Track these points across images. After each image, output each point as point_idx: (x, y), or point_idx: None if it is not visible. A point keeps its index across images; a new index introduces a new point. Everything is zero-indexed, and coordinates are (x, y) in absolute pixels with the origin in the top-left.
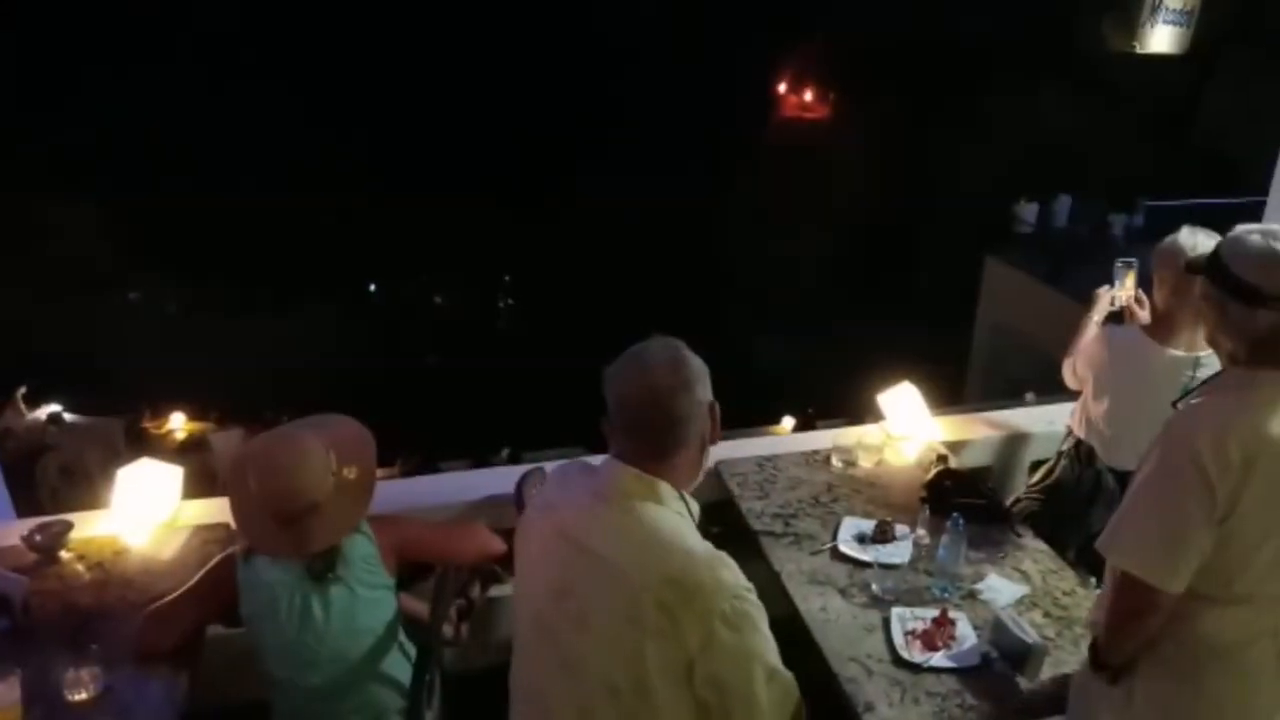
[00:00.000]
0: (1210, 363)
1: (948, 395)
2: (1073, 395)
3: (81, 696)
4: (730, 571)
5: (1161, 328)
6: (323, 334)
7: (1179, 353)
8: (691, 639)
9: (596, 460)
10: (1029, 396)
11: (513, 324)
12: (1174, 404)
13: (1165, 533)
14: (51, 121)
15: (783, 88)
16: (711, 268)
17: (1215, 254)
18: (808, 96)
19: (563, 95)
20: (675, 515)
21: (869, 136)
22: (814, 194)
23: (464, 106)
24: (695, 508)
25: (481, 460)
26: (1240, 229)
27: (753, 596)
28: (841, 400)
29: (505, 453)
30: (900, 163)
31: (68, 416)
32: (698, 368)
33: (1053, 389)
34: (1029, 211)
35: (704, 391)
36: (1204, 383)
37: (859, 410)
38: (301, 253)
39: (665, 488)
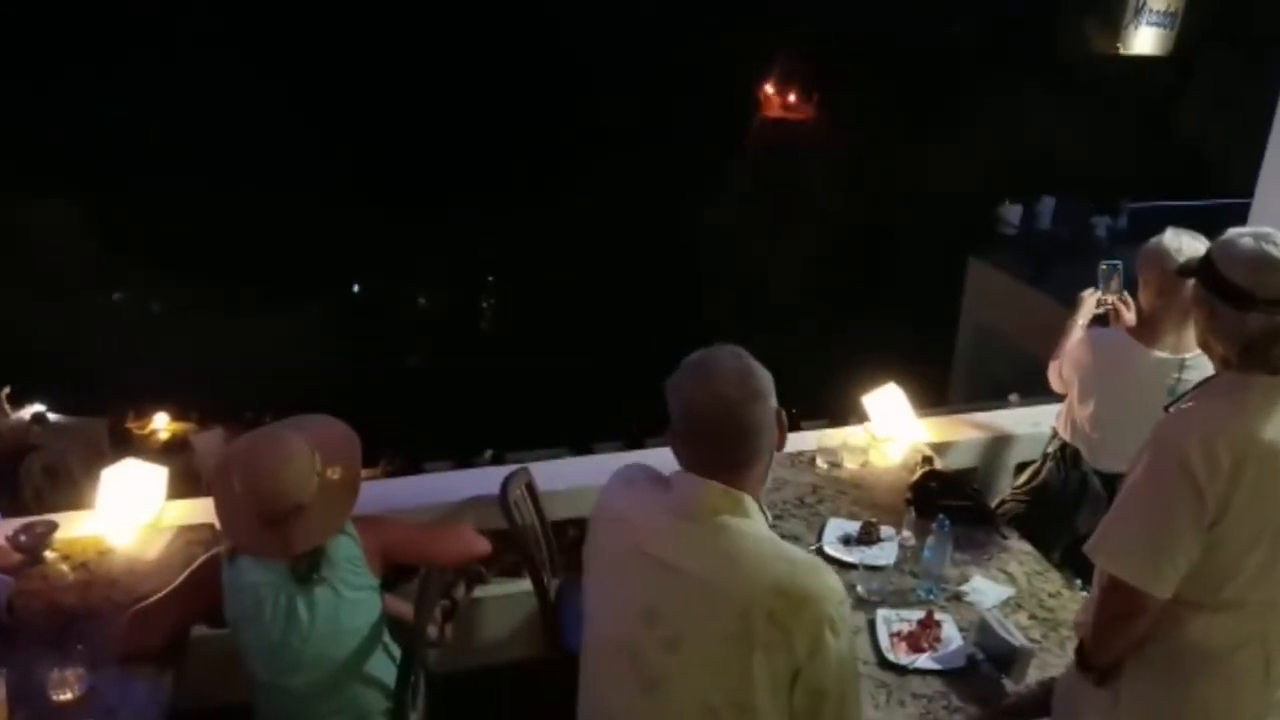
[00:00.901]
0: (1196, 364)
1: (932, 397)
2: (1057, 397)
3: (66, 697)
4: (832, 576)
5: (1147, 329)
6: (305, 334)
7: (1164, 354)
8: (801, 647)
9: (662, 469)
10: (1013, 398)
11: (495, 325)
12: (1166, 408)
13: (1153, 537)
14: (35, 119)
15: (767, 88)
16: (695, 269)
17: (1206, 257)
18: (791, 98)
19: (545, 96)
20: (762, 527)
21: (852, 138)
22: (797, 195)
23: (447, 107)
24: (769, 516)
25: (464, 461)
26: (1231, 232)
27: (848, 600)
28: (825, 401)
29: (488, 453)
30: (883, 164)
31: (51, 416)
32: (765, 376)
33: (1036, 391)
34: (1013, 213)
35: (773, 400)
36: (1195, 387)
37: (842, 411)
38: (284, 253)
39: (749, 501)
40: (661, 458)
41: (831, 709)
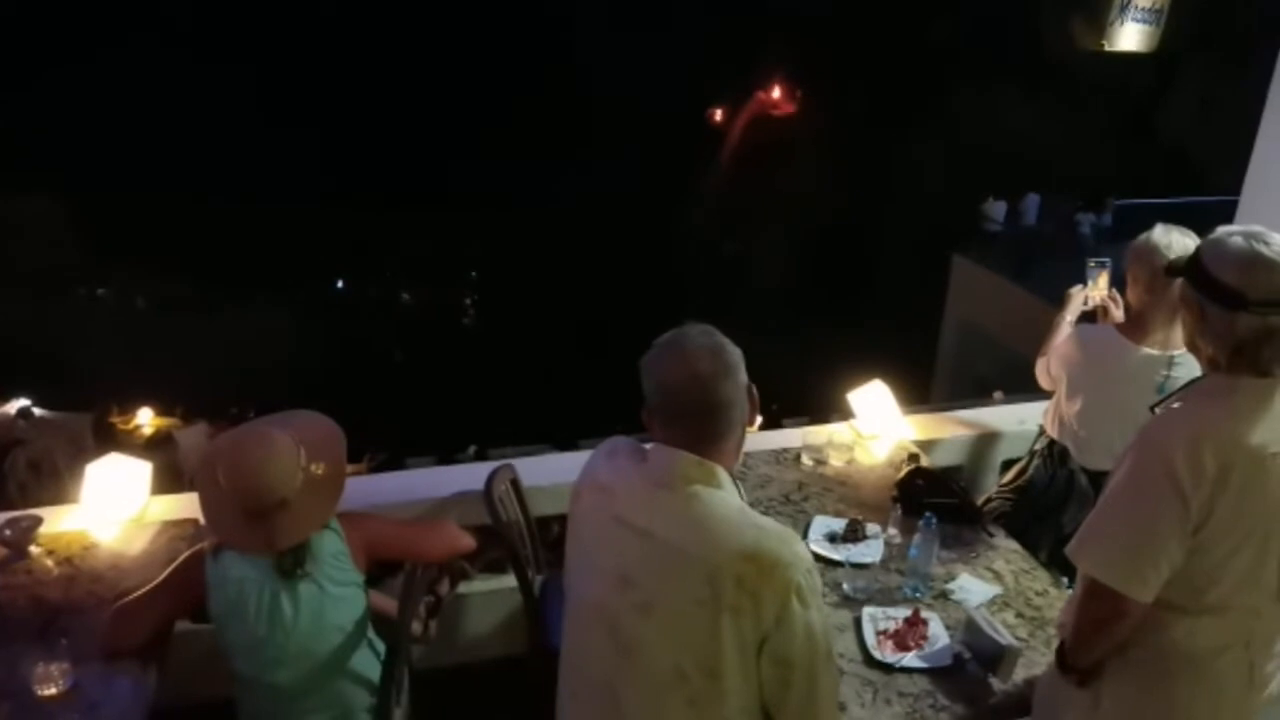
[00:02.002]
0: (1185, 361)
1: (914, 394)
2: (1042, 394)
3: (51, 691)
4: (801, 545)
5: (1135, 326)
6: (288, 331)
7: (1153, 351)
8: (768, 613)
9: (644, 443)
10: (997, 395)
11: (478, 322)
12: (1151, 408)
13: (1135, 542)
14: (20, 116)
15: (751, 86)
16: (677, 266)
17: (1195, 256)
18: (776, 93)
19: (526, 94)
20: (734, 497)
21: (835, 134)
22: (780, 191)
23: (430, 102)
24: (742, 491)
25: (448, 457)
26: (1221, 230)
27: (818, 572)
28: (806, 398)
29: (471, 449)
30: (866, 160)
31: (36, 411)
32: (735, 352)
33: (1020, 388)
34: (997, 209)
35: (743, 375)
36: (1182, 387)
37: (823, 408)
38: (267, 249)
39: (722, 472)
40: None
41: (800, 681)
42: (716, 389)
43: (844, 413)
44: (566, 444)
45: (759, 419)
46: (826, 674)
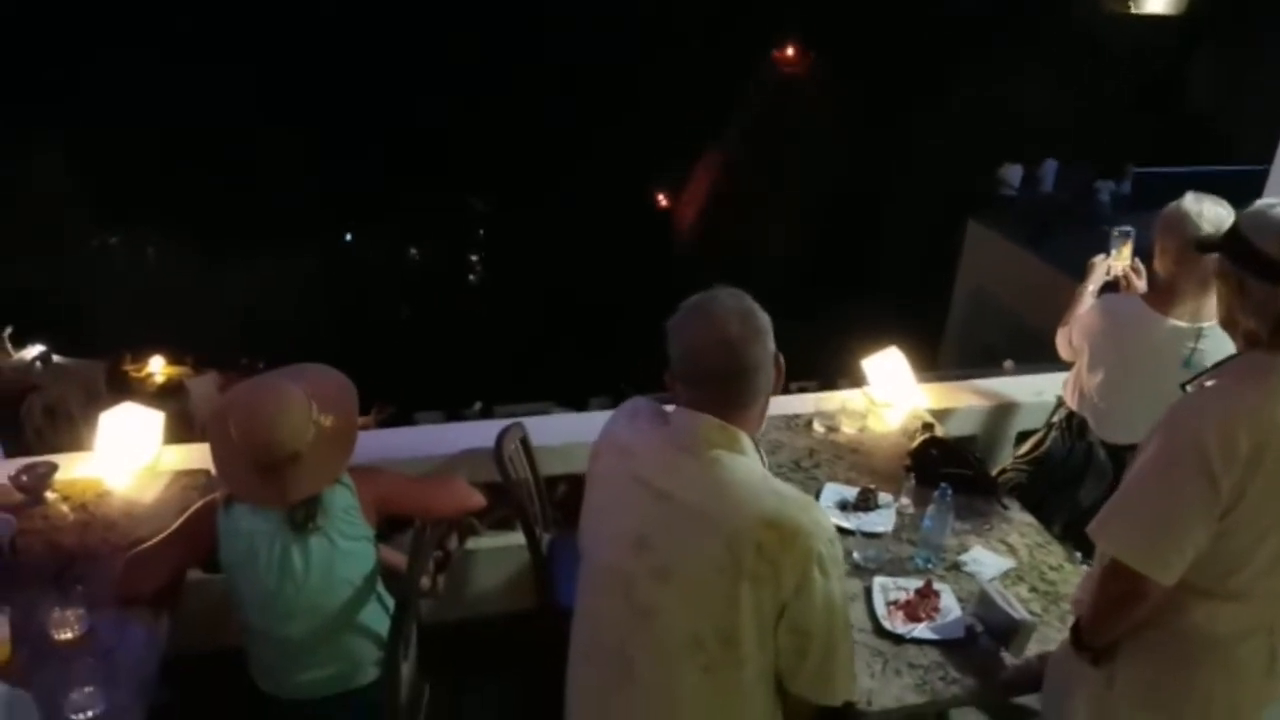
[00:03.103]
0: (1213, 334)
1: (922, 361)
2: (1058, 364)
3: (67, 636)
4: (823, 514)
5: (1162, 297)
6: (297, 283)
7: (1180, 323)
8: (788, 582)
9: (666, 406)
10: (1008, 365)
11: (485, 278)
12: (1183, 385)
13: (1161, 522)
14: (32, 62)
15: (769, 47)
16: (689, 227)
17: (1235, 229)
18: (790, 53)
19: (541, 49)
20: (757, 463)
21: (853, 97)
22: (795, 154)
23: (440, 54)
24: (764, 457)
25: (455, 413)
26: (1261, 203)
27: (839, 542)
28: (814, 363)
29: (477, 405)
30: (884, 124)
31: (54, 358)
32: (764, 317)
33: (1029, 357)
34: (1013, 174)
35: (771, 341)
36: (1217, 365)
37: (830, 373)
38: (278, 201)
39: (745, 438)
40: None
41: (816, 651)
42: (744, 353)
43: (852, 379)
44: (571, 402)
45: (782, 387)
46: (843, 645)
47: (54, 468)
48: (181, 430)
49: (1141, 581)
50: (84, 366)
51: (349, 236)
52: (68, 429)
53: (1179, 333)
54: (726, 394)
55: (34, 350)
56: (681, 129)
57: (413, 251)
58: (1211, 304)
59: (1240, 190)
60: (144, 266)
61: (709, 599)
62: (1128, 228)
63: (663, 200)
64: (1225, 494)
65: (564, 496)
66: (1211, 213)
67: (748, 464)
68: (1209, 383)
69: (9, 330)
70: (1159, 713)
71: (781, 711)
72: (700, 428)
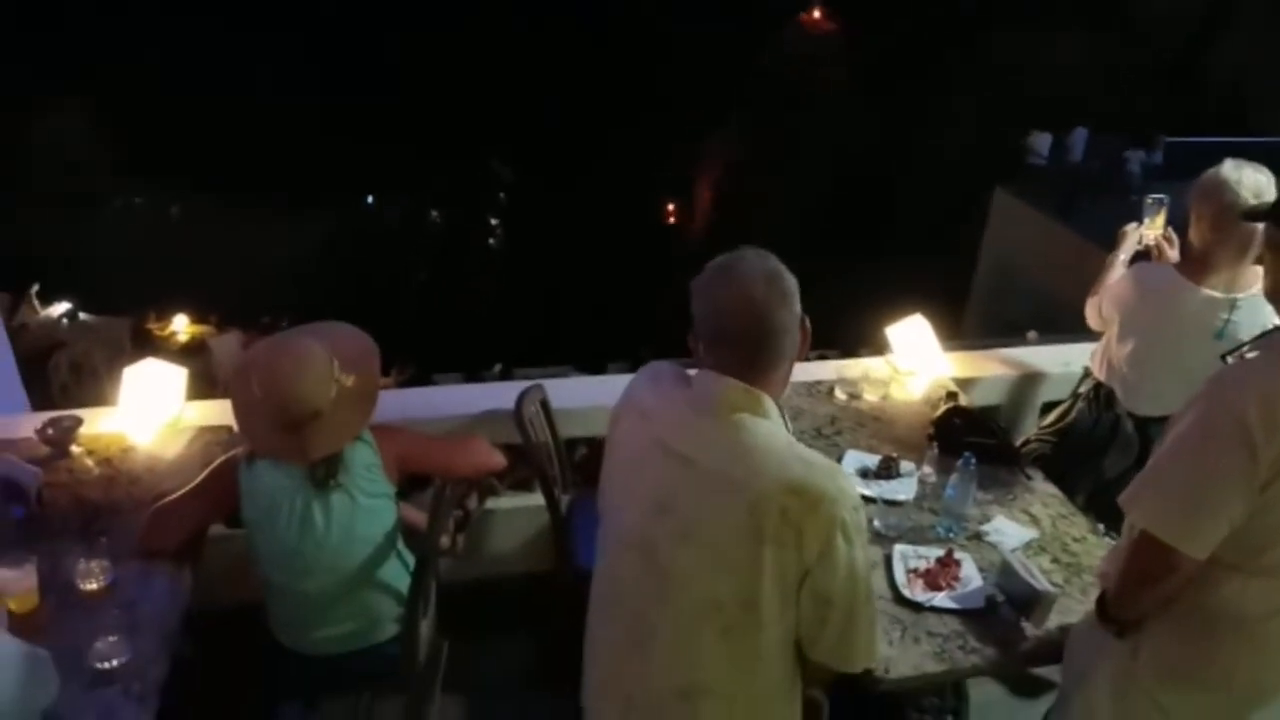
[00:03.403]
0: (1247, 305)
1: (944, 331)
2: (1083, 335)
3: (92, 587)
4: (849, 481)
5: (1197, 266)
6: (318, 244)
7: (1215, 294)
8: (811, 548)
9: (688, 369)
10: (1031, 335)
11: (505, 243)
12: (1223, 356)
13: (1195, 495)
14: (54, 23)
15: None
16: (710, 191)
17: None
18: (816, 15)
19: (561, 13)
20: (781, 428)
21: (879, 61)
22: (819, 118)
23: (465, 12)
24: (789, 422)
25: (473, 375)
26: None
27: (864, 510)
28: (834, 331)
29: (497, 368)
30: (910, 89)
31: (80, 315)
32: (792, 279)
33: (1054, 329)
34: (1041, 142)
35: (798, 304)
36: (1260, 336)
37: (851, 342)
38: (301, 162)
39: (768, 400)
40: None
41: (838, 620)
42: (770, 315)
43: (873, 347)
44: (589, 367)
45: (808, 352)
46: (865, 613)
47: (79, 422)
48: (204, 389)
49: (1172, 555)
50: (109, 324)
51: (370, 199)
52: (93, 385)
53: (1212, 303)
54: (751, 357)
55: (60, 307)
56: (709, 94)
57: (434, 215)
58: (1247, 274)
59: (1276, 161)
60: (168, 225)
61: (730, 563)
62: (1161, 195)
63: (686, 168)
64: (1265, 466)
65: (583, 459)
66: (1251, 180)
67: (771, 428)
68: (1251, 354)
69: (35, 288)
70: (1182, 687)
71: (801, 676)
72: (723, 391)
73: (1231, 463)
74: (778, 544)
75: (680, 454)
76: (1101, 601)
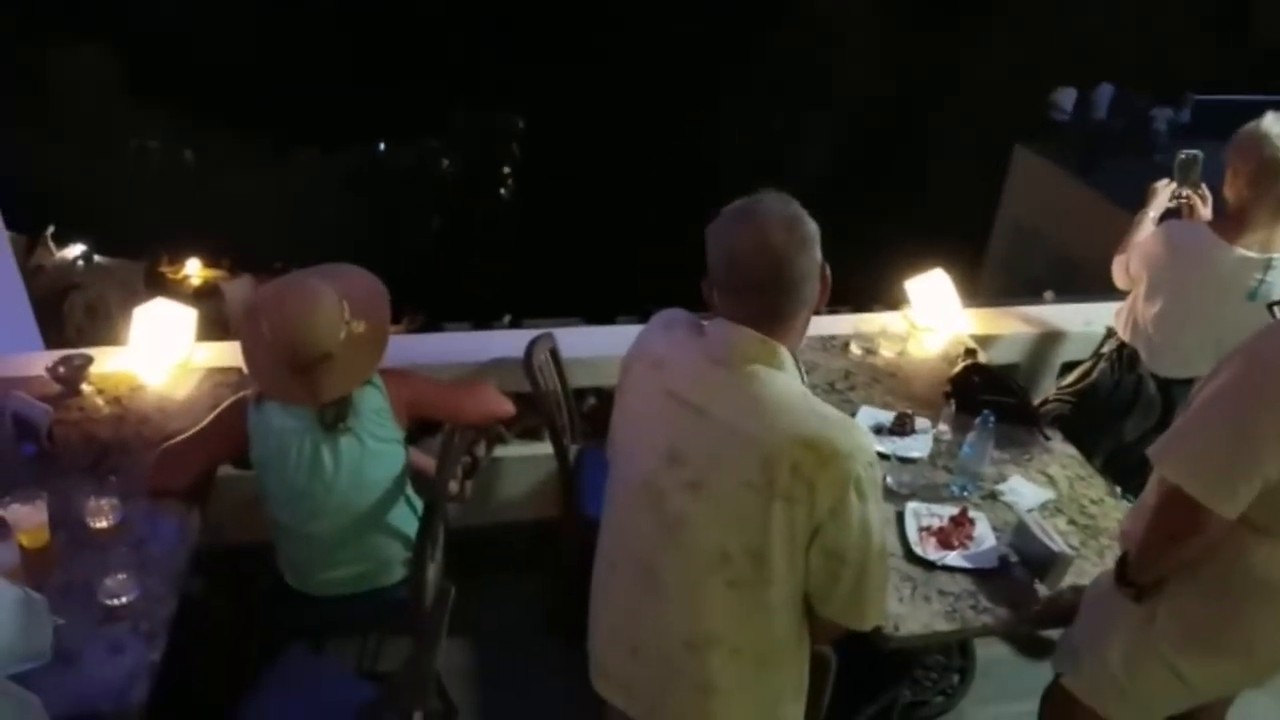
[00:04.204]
0: None
1: (961, 288)
2: (1104, 294)
3: (102, 525)
4: (865, 436)
5: (1232, 224)
6: (331, 190)
7: (1250, 253)
8: (823, 503)
9: (702, 319)
10: (1048, 295)
11: (516, 193)
12: (1270, 307)
13: (1231, 451)
14: None
15: None
16: (725, 144)
17: None
18: None
19: None
20: (796, 381)
21: (901, 8)
22: (837, 70)
23: None
24: (804, 374)
25: (483, 324)
26: None
27: (879, 466)
28: (850, 286)
29: (507, 318)
30: (931, 39)
31: (95, 258)
32: (813, 225)
33: (1072, 289)
34: (1065, 98)
35: (818, 251)
36: None
37: (865, 297)
38: (315, 108)
39: (784, 351)
40: None
41: (849, 576)
42: (790, 262)
43: (886, 304)
44: (599, 319)
45: (827, 301)
46: (877, 570)
47: (89, 360)
48: (217, 333)
49: (1201, 513)
50: (123, 267)
51: (382, 146)
52: (107, 326)
53: (1247, 263)
54: (768, 305)
55: (75, 249)
56: (725, 39)
57: (445, 163)
58: None
59: None
60: (182, 169)
61: (740, 515)
62: (1195, 151)
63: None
64: None
65: (592, 409)
66: None
67: (786, 380)
68: None
69: (51, 230)
70: (1202, 654)
71: (809, 632)
72: (738, 340)
73: (1270, 417)
74: (788, 499)
75: (693, 404)
76: (1121, 563)
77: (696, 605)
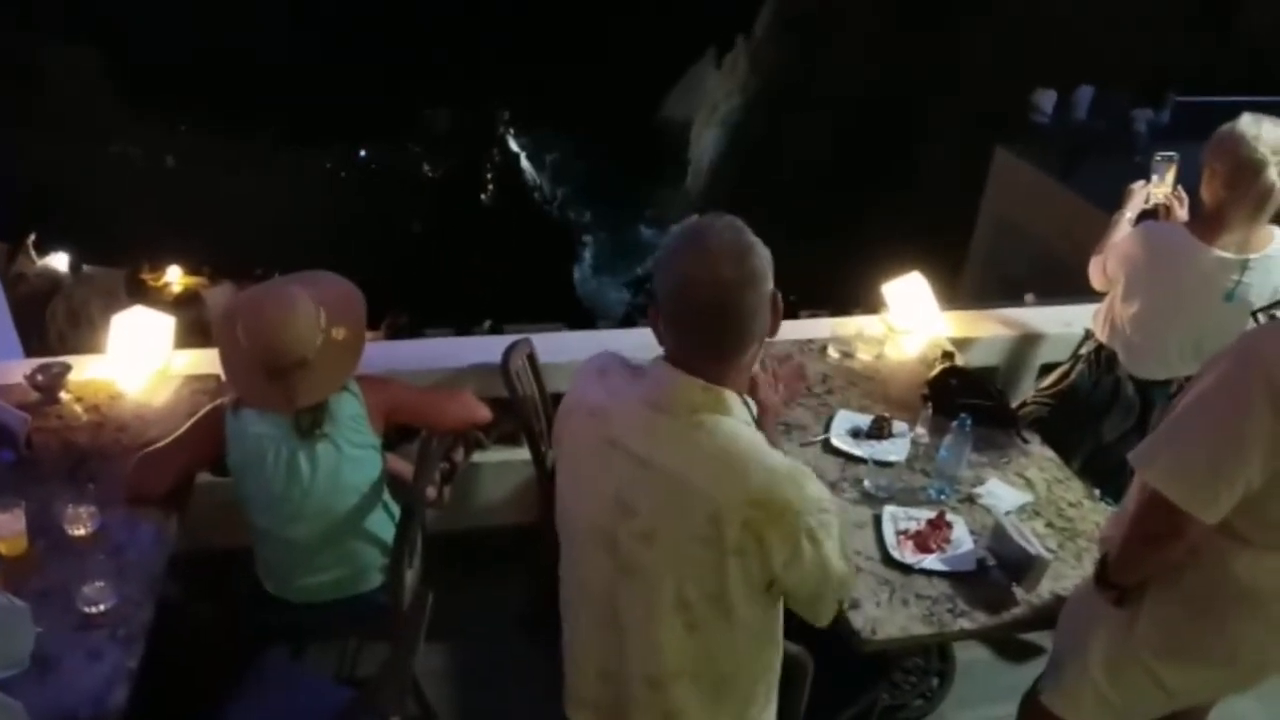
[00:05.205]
0: (1261, 265)
1: (942, 291)
2: (1083, 297)
3: (80, 532)
4: (814, 485)
5: (1209, 225)
6: (313, 196)
7: (1226, 254)
8: (777, 556)
9: (637, 358)
10: (1028, 298)
11: (498, 198)
12: (1254, 314)
13: (1214, 456)
14: None
15: None
16: (703, 144)
17: None
18: None
19: None
20: (744, 426)
21: (880, 10)
22: (815, 69)
23: None
24: (754, 407)
25: (464, 330)
26: None
27: (834, 507)
28: (828, 288)
29: (487, 324)
30: (910, 40)
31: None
32: (765, 255)
33: (1054, 291)
34: (1046, 100)
35: (769, 282)
36: None
37: (844, 300)
38: (297, 115)
39: (730, 396)
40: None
41: (807, 598)
42: (739, 298)
43: (866, 306)
44: (581, 325)
45: (779, 328)
46: (832, 586)
47: (68, 368)
48: (198, 339)
49: (1181, 518)
50: (104, 274)
51: (363, 152)
52: (89, 334)
53: (1224, 264)
54: (714, 340)
55: (58, 257)
56: (700, 40)
57: (426, 168)
58: (1260, 234)
59: None
60: (162, 176)
61: (695, 565)
62: (1171, 153)
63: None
64: None
65: None
66: (1271, 135)
67: (732, 428)
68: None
69: (33, 237)
70: (1184, 661)
71: (778, 641)
72: (681, 388)
73: (1256, 425)
74: (740, 553)
75: (638, 455)
76: (1102, 566)
77: (656, 646)
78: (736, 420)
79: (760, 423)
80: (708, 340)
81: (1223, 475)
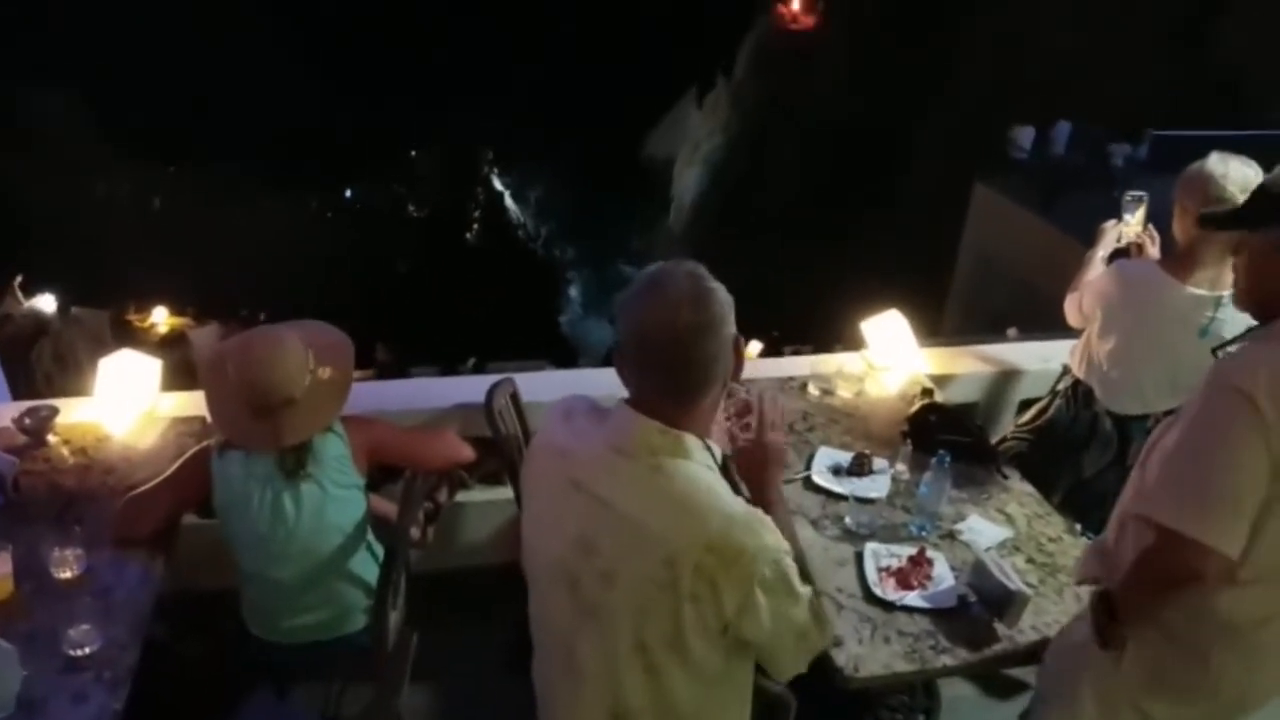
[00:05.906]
0: (1234, 302)
1: (925, 327)
2: (1063, 332)
3: (67, 575)
4: (770, 534)
5: (1182, 263)
6: (298, 237)
7: (1200, 291)
8: (730, 604)
9: (603, 399)
10: (1011, 332)
11: (483, 237)
12: (1214, 351)
13: (1220, 485)
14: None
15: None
16: (686, 182)
17: (1265, 192)
18: (796, 5)
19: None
20: (705, 470)
21: (859, 49)
22: (797, 107)
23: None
24: (718, 453)
25: (448, 369)
26: None
27: (789, 558)
28: (811, 324)
29: (470, 362)
30: (889, 80)
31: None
32: (724, 300)
33: (1036, 326)
34: (1024, 136)
35: (730, 326)
36: (1246, 333)
37: (827, 336)
38: (283, 156)
39: (691, 440)
40: None
41: (764, 651)
42: (698, 343)
43: (848, 342)
44: (564, 363)
45: (741, 372)
46: (796, 651)
47: (55, 411)
48: (185, 380)
49: (1203, 556)
50: (90, 315)
51: (349, 192)
52: (76, 376)
53: (1197, 301)
54: (674, 384)
55: (45, 299)
56: (683, 77)
57: (411, 208)
58: (1232, 271)
59: (1271, 156)
60: (148, 218)
61: (652, 610)
62: (1140, 193)
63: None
64: (1276, 448)
65: None
66: (1238, 174)
67: (691, 472)
68: (1241, 346)
69: (19, 279)
70: (1170, 696)
71: (749, 678)
72: (640, 431)
73: (1248, 444)
74: (694, 599)
75: (598, 496)
76: (1104, 610)
77: (616, 688)
78: (697, 464)
79: (742, 471)
80: (668, 384)
81: (1229, 501)
